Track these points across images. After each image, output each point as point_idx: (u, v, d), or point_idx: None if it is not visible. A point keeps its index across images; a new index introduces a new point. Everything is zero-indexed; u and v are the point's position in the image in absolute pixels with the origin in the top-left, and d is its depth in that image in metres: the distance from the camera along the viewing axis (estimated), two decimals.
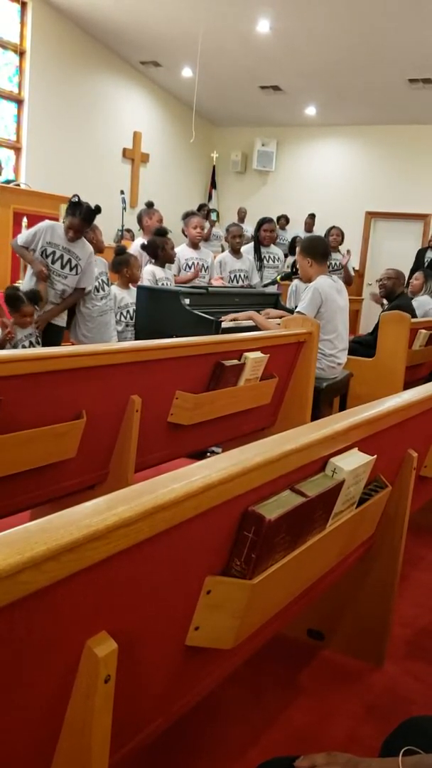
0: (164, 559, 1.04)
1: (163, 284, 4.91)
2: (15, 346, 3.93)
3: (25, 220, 5.47)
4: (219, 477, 1.05)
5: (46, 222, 4.38)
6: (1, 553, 0.70)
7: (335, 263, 7.44)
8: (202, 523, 1.07)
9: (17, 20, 9.82)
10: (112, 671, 0.93)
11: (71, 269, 4.26)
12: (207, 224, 7.89)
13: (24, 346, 4.01)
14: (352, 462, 1.56)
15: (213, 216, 11.38)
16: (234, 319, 4.18)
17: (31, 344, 4.06)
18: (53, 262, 4.22)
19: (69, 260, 4.25)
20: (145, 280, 4.89)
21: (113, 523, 0.84)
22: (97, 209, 4.28)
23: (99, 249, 4.67)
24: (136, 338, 4.51)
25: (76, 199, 4.24)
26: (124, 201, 8.78)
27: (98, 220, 4.74)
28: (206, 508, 1.04)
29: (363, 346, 5.37)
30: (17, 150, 10.10)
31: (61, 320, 4.42)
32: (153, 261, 5.12)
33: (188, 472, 1.04)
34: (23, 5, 9.77)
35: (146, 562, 0.99)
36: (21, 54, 9.93)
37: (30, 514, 2.64)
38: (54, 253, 4.22)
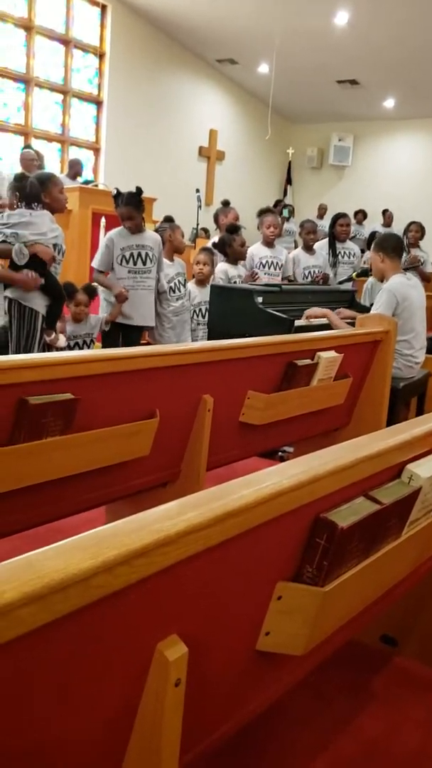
0: (235, 564, 1.04)
1: (235, 282, 4.91)
2: (69, 346, 4.02)
3: (103, 220, 5.58)
4: (290, 484, 1.04)
5: (106, 236, 4.46)
6: (75, 558, 0.71)
7: (422, 259, 7.24)
8: (272, 529, 1.06)
9: (97, 23, 10.02)
10: (182, 675, 0.94)
11: (151, 261, 4.32)
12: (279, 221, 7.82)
13: (78, 345, 4.10)
14: (431, 468, 1.52)
15: (285, 212, 11.29)
16: (309, 316, 4.14)
17: (87, 344, 4.14)
18: (135, 263, 4.28)
19: (147, 254, 4.30)
20: (218, 278, 4.90)
21: (183, 529, 0.84)
22: (139, 191, 4.31)
23: (179, 249, 4.70)
24: (209, 337, 4.52)
25: (115, 192, 4.29)
26: (199, 199, 8.84)
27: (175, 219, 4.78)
28: (277, 515, 1.03)
29: None
30: (96, 151, 10.33)
31: (140, 318, 4.48)
32: (225, 259, 5.13)
33: (259, 477, 1.03)
34: (103, 8, 9.96)
35: (217, 566, 0.99)
36: (100, 56, 10.14)
37: (105, 509, 2.70)
38: (132, 254, 4.29)
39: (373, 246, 4.13)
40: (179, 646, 0.94)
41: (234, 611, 1.11)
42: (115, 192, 4.30)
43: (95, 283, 4.36)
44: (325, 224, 8.05)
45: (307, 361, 3.06)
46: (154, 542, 0.79)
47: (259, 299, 4.26)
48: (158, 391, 2.41)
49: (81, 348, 4.16)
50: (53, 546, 0.73)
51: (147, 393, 2.37)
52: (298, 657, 1.36)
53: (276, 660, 1.32)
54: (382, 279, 4.12)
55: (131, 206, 4.25)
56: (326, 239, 6.42)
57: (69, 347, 4.07)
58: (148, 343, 4.60)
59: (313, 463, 1.14)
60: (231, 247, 5.03)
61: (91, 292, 4.15)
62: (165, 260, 4.51)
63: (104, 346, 4.27)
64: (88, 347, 4.21)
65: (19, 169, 6.90)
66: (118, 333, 4.32)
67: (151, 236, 4.40)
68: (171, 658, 0.92)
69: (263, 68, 10.96)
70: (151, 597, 0.86)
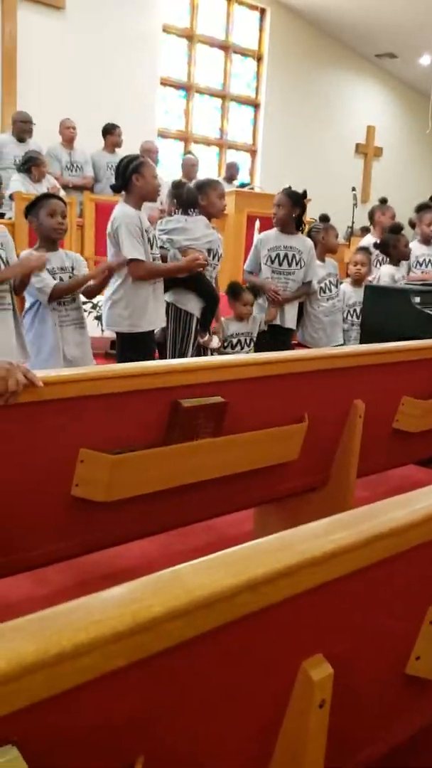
0: (384, 586, 1.00)
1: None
2: (225, 342, 4.05)
3: (257, 223, 5.61)
4: None
5: (258, 236, 4.48)
6: (220, 575, 0.71)
7: None
8: (426, 552, 1.01)
9: (256, 27, 10.13)
10: (327, 696, 0.91)
11: (296, 264, 4.27)
12: None
13: (240, 342, 4.13)
14: None
15: None
16: None
17: (246, 342, 4.16)
18: (280, 264, 4.27)
19: (293, 256, 4.27)
20: (383, 282, 4.77)
21: (331, 550, 0.82)
22: (304, 193, 4.27)
23: (332, 250, 4.63)
24: (362, 339, 4.40)
25: (288, 187, 4.28)
26: (355, 197, 8.66)
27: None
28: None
29: None
30: (253, 153, 10.44)
31: (290, 322, 4.45)
32: (387, 260, 4.97)
33: (413, 498, 0.99)
34: (262, 12, 10.05)
35: (365, 588, 0.96)
36: (258, 59, 10.23)
37: (253, 512, 2.71)
38: (278, 255, 4.27)
39: None
40: (324, 666, 0.92)
41: (382, 634, 1.07)
42: (287, 188, 4.34)
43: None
44: None
45: None
46: (299, 563, 0.77)
47: (416, 299, 4.09)
48: (308, 395, 2.39)
49: (242, 346, 4.23)
50: (199, 561, 0.74)
51: (296, 397, 2.36)
52: None
53: (426, 685, 1.25)
54: None
55: (293, 200, 4.24)
56: None
57: (231, 345, 4.14)
58: (299, 345, 4.57)
59: None
60: (395, 248, 4.86)
61: (256, 292, 4.21)
62: (317, 261, 4.46)
63: (256, 349, 4.30)
64: (248, 346, 4.27)
65: (176, 175, 7.14)
66: (268, 335, 4.31)
67: (301, 240, 4.36)
68: (316, 678, 0.90)
69: (425, 60, 10.54)
70: (296, 616, 0.85)
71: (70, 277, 3.19)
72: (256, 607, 0.75)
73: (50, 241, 3.15)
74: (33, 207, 3.11)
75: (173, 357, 3.81)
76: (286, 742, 0.90)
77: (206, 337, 3.98)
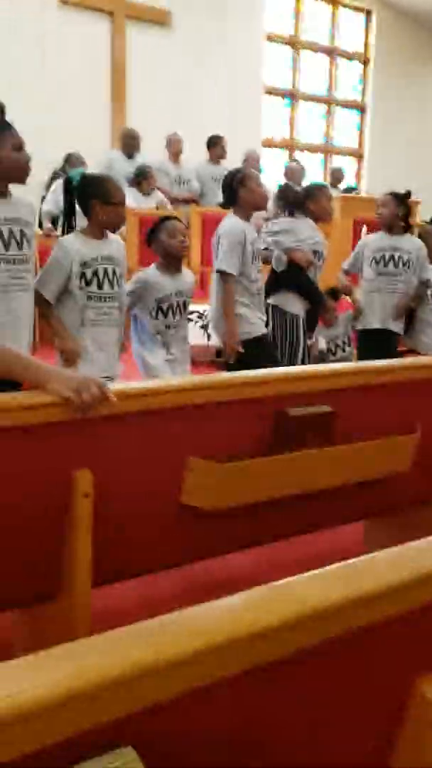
0: None
1: None
2: (330, 350, 4.00)
3: (364, 229, 5.51)
4: None
5: (363, 238, 4.41)
6: (332, 588, 0.71)
7: None
8: None
9: (362, 30, 10.00)
10: None
11: (404, 265, 4.15)
12: None
13: (337, 345, 4.08)
14: None
15: None
16: None
17: (345, 343, 4.10)
18: (386, 265, 4.17)
19: (400, 257, 4.14)
20: None
21: None
22: (408, 193, 4.16)
23: None
24: None
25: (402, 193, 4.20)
26: None
27: None
28: None
29: None
30: (359, 157, 10.29)
31: (396, 326, 4.34)
32: None
33: None
34: (368, 14, 9.91)
35: None
36: (365, 62, 10.09)
37: (363, 525, 2.66)
38: (384, 256, 4.17)
39: None
40: None
41: None
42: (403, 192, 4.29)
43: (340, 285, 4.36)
44: None
45: None
46: (414, 578, 0.75)
47: None
48: (420, 404, 2.32)
49: (339, 349, 4.17)
50: (313, 573, 0.74)
51: (407, 406, 2.29)
52: None
53: None
54: None
55: (398, 199, 4.16)
56: None
57: (332, 352, 4.09)
58: (409, 352, 4.44)
59: None
60: None
61: (336, 295, 4.17)
62: (428, 264, 4.32)
63: (360, 357, 4.22)
64: (349, 346, 4.21)
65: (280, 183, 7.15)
66: (372, 340, 4.20)
67: (410, 240, 4.24)
68: (431, 697, 0.87)
69: None
70: (409, 632, 0.82)
71: (184, 302, 3.20)
72: (368, 621, 0.74)
73: (176, 259, 3.19)
74: (154, 231, 3.16)
75: (283, 363, 3.80)
76: (402, 761, 0.88)
77: (313, 340, 3.96)
